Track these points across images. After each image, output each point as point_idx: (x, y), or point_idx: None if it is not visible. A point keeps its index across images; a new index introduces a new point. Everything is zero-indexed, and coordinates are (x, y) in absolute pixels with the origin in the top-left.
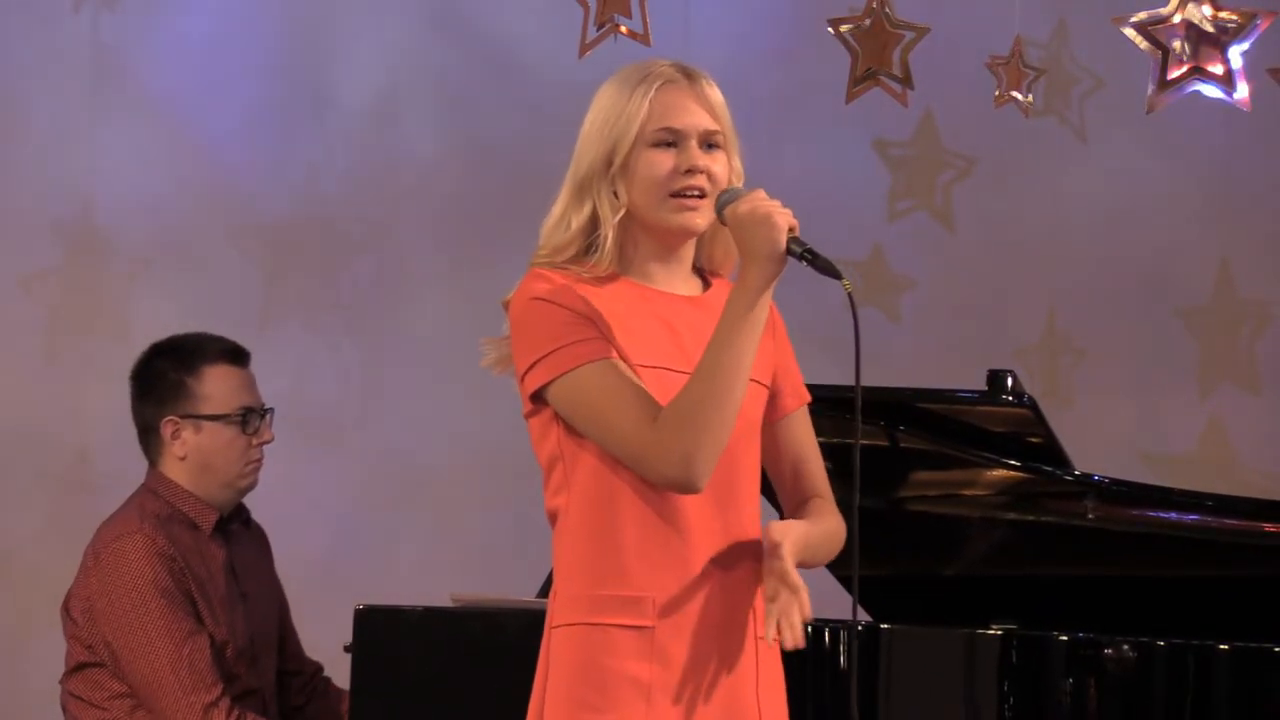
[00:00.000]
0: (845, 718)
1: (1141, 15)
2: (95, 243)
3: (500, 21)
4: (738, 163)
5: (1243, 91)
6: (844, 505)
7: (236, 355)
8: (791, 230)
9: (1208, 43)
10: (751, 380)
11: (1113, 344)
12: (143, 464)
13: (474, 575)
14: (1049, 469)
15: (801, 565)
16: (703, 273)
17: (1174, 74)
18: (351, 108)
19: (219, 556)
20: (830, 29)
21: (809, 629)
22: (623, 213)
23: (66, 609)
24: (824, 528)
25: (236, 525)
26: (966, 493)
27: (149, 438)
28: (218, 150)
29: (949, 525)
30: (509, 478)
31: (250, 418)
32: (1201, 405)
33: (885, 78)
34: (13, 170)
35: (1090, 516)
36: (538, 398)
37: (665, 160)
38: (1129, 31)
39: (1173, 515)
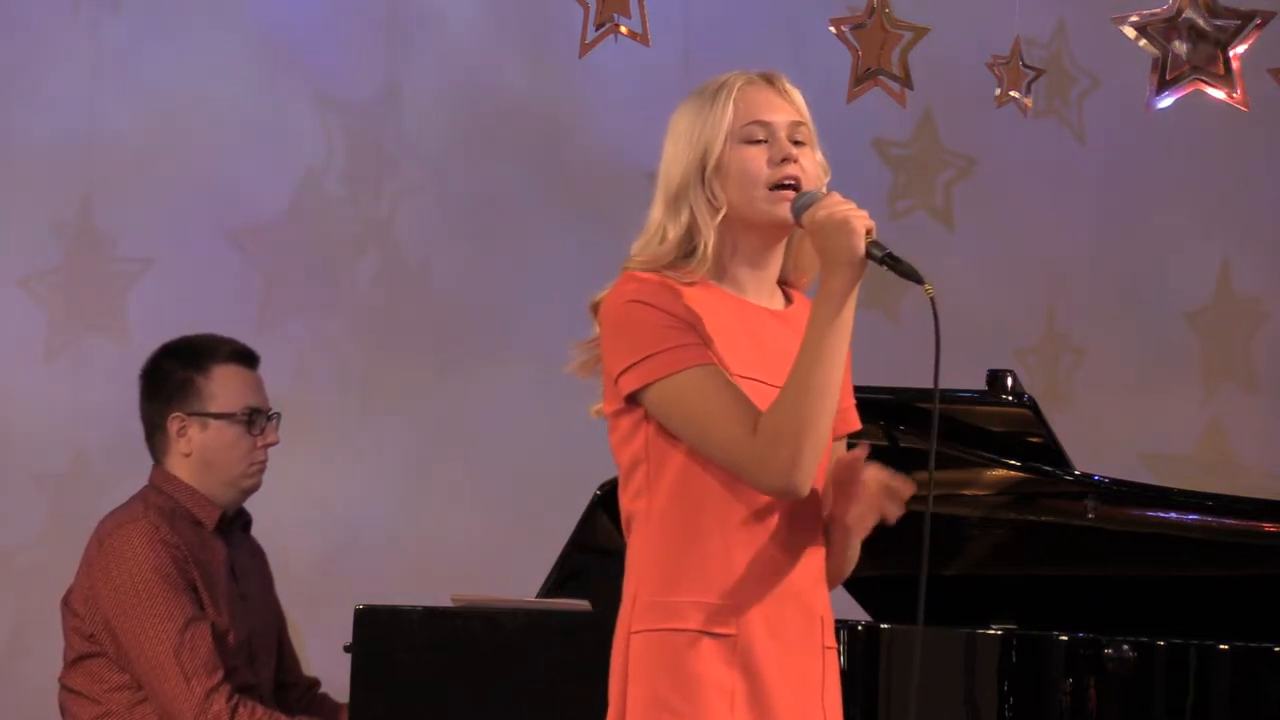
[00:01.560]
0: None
1: (1141, 15)
2: (95, 243)
3: (501, 21)
4: (821, 158)
5: (1242, 92)
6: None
7: (246, 357)
8: (870, 233)
9: (1207, 43)
10: None
11: (1113, 344)
12: (142, 464)
13: (474, 575)
14: (1049, 469)
15: (843, 545)
16: (784, 287)
17: (1173, 74)
18: (352, 106)
19: (221, 553)
20: (832, 28)
21: None
22: (723, 214)
23: (66, 603)
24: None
25: (238, 530)
26: (966, 493)
27: (155, 435)
28: (217, 149)
29: (949, 525)
30: (510, 478)
31: (256, 419)
32: (1201, 405)
33: (885, 78)
34: (12, 170)
35: (1090, 516)
36: (632, 399)
37: (759, 154)
38: (1129, 31)
39: (1173, 515)
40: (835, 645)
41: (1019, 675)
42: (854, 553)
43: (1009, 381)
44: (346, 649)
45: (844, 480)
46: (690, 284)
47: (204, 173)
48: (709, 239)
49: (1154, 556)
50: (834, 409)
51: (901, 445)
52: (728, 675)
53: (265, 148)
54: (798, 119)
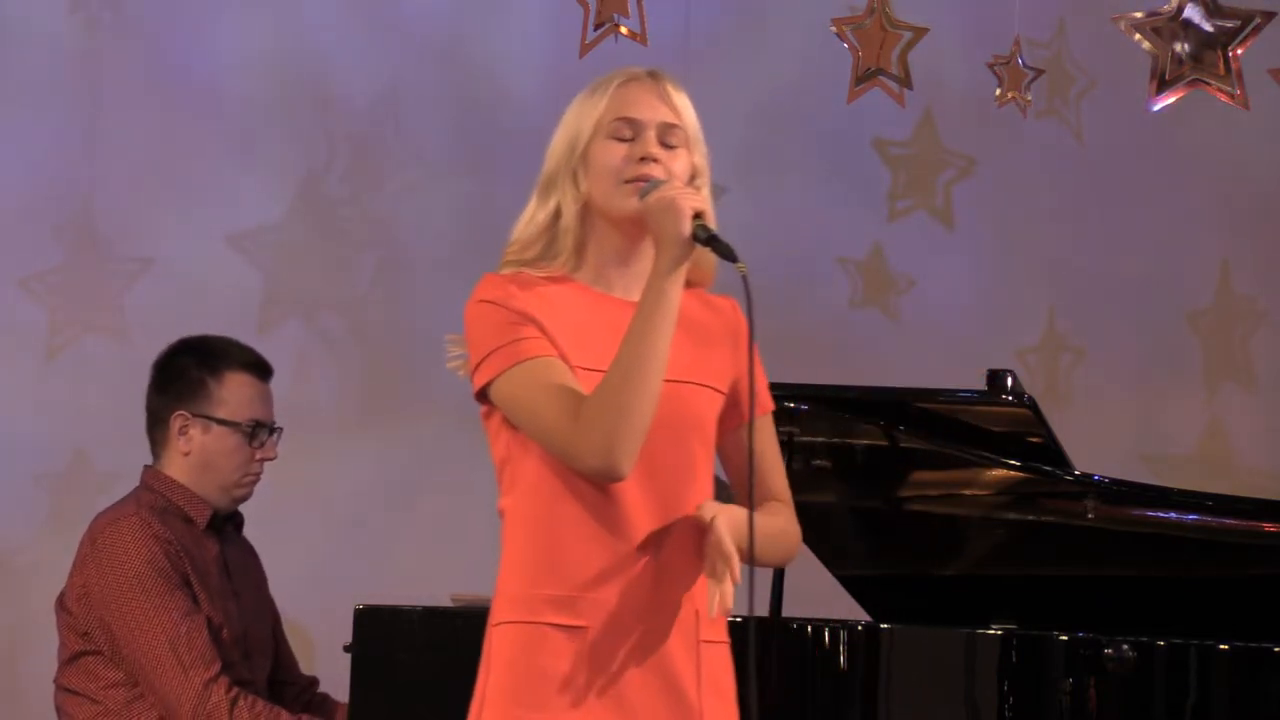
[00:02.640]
0: (844, 717)
1: (1141, 15)
2: (95, 243)
3: (502, 20)
4: (700, 161)
5: (1242, 92)
6: (839, 505)
7: (260, 368)
8: (700, 215)
9: (1207, 42)
10: (701, 385)
11: (1112, 344)
12: (143, 463)
13: (474, 575)
14: (1049, 469)
15: (746, 561)
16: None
17: (1173, 74)
18: (352, 106)
19: (212, 551)
20: (833, 28)
21: (809, 628)
22: (581, 202)
23: (61, 602)
24: (774, 523)
25: (230, 529)
26: (966, 493)
27: (157, 427)
28: (216, 149)
29: (949, 525)
30: None
31: (259, 431)
32: (1201, 405)
33: (885, 78)
34: (12, 170)
35: (1090, 516)
36: (484, 397)
37: (621, 149)
38: (1129, 31)
39: (1173, 515)
40: (722, 640)
41: (1019, 675)
42: (775, 554)
43: (1009, 381)
44: (346, 649)
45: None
46: (552, 279)
47: (204, 172)
48: (570, 227)
49: (1154, 556)
50: (657, 390)
51: (901, 445)
52: (577, 668)
53: (265, 147)
54: (672, 121)
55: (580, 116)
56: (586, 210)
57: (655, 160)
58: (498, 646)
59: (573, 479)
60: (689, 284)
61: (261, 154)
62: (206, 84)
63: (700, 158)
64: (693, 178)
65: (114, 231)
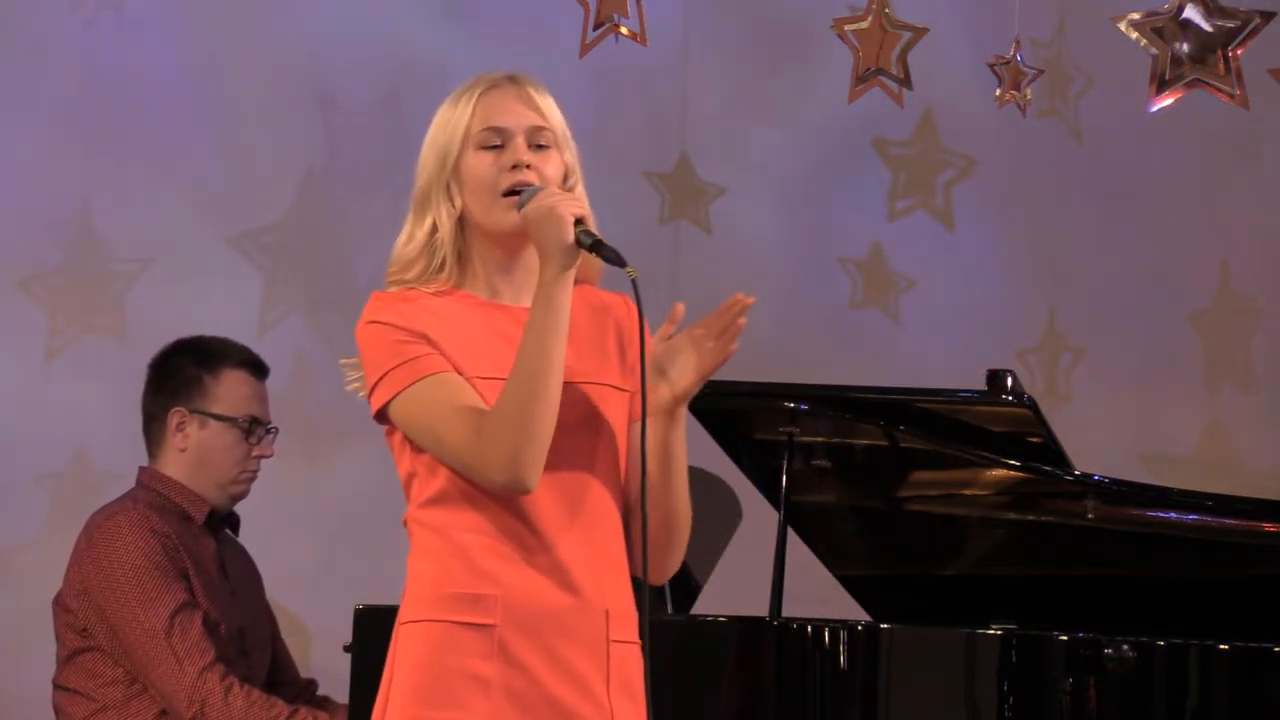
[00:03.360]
0: (844, 717)
1: (1141, 15)
2: (95, 243)
3: (502, 19)
4: (571, 159)
5: (1242, 92)
6: (839, 505)
7: (257, 367)
8: (581, 221)
9: (1207, 42)
10: (606, 385)
11: (1113, 344)
12: (143, 463)
13: None
14: (1049, 469)
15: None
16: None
17: (1173, 73)
18: (352, 105)
19: (210, 548)
20: (834, 29)
21: (809, 628)
22: (457, 215)
23: (59, 601)
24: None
25: (226, 530)
26: (966, 493)
27: (153, 426)
28: (216, 149)
29: (949, 525)
30: None
31: (255, 429)
32: (1202, 405)
33: (885, 78)
34: (12, 170)
35: (1090, 516)
36: (383, 418)
37: (493, 159)
38: (1128, 31)
39: (1173, 515)
40: (633, 640)
41: (1019, 675)
42: (673, 489)
43: (1009, 381)
44: (346, 649)
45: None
46: (437, 293)
47: (204, 172)
48: (449, 242)
49: (1154, 556)
50: (556, 399)
51: (901, 445)
52: (485, 666)
53: (266, 147)
54: (539, 123)
55: (446, 129)
56: (463, 223)
57: (528, 166)
58: (404, 644)
59: (477, 488)
60: (577, 282)
61: (262, 154)
62: (206, 83)
63: (570, 155)
64: (565, 178)
65: (114, 231)
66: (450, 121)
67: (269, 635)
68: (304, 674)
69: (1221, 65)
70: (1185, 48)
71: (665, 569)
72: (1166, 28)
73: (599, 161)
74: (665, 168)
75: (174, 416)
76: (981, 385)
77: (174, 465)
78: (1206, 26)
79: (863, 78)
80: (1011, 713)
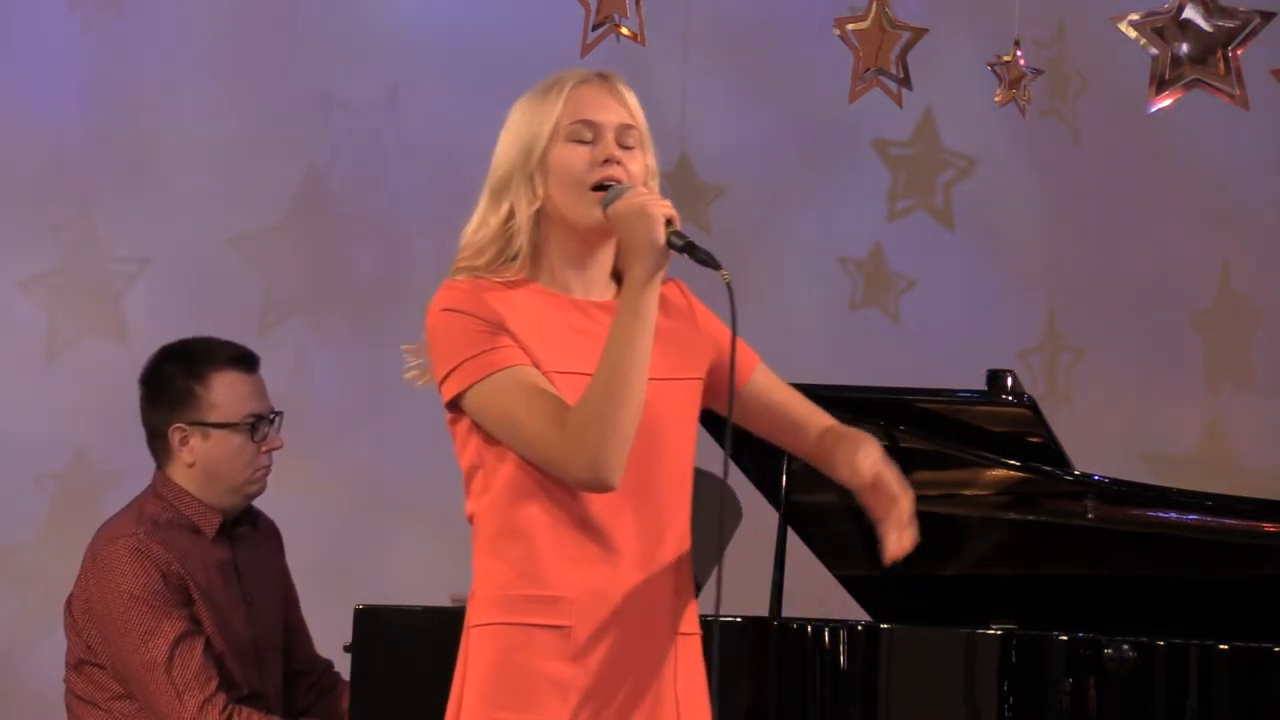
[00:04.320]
0: (844, 717)
1: (1141, 15)
2: (94, 244)
3: (503, 18)
4: (653, 161)
5: (1242, 92)
6: (839, 505)
7: (246, 361)
8: (671, 222)
9: (1207, 42)
10: (672, 378)
11: (1113, 344)
12: (142, 464)
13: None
14: (1049, 469)
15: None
16: (621, 279)
17: (1173, 73)
18: (353, 104)
19: (221, 560)
20: (835, 29)
21: (809, 628)
22: (538, 206)
23: (69, 606)
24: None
25: (244, 528)
26: (966, 493)
27: (157, 442)
28: (216, 149)
29: (949, 525)
30: None
31: (259, 425)
32: (1202, 405)
33: (885, 78)
34: (12, 171)
35: (1090, 516)
36: (454, 407)
37: (584, 153)
38: (1129, 31)
39: (1173, 515)
40: (696, 632)
41: (1019, 675)
42: None
43: (1009, 381)
44: (346, 649)
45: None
46: (510, 284)
47: (204, 172)
48: (524, 232)
49: (1154, 556)
50: (641, 398)
51: (902, 445)
52: (562, 668)
53: (266, 147)
54: (628, 122)
55: (534, 119)
56: (542, 214)
57: (618, 162)
58: (477, 648)
59: (547, 481)
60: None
61: (262, 153)
62: (206, 83)
63: (652, 158)
64: (646, 179)
65: (114, 231)
66: (539, 112)
67: (281, 634)
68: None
69: (1221, 65)
70: (1185, 48)
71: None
72: (1166, 28)
73: None
74: (665, 167)
75: (175, 433)
76: (981, 385)
77: (183, 476)
78: (1206, 26)
79: (863, 78)
80: (1011, 713)
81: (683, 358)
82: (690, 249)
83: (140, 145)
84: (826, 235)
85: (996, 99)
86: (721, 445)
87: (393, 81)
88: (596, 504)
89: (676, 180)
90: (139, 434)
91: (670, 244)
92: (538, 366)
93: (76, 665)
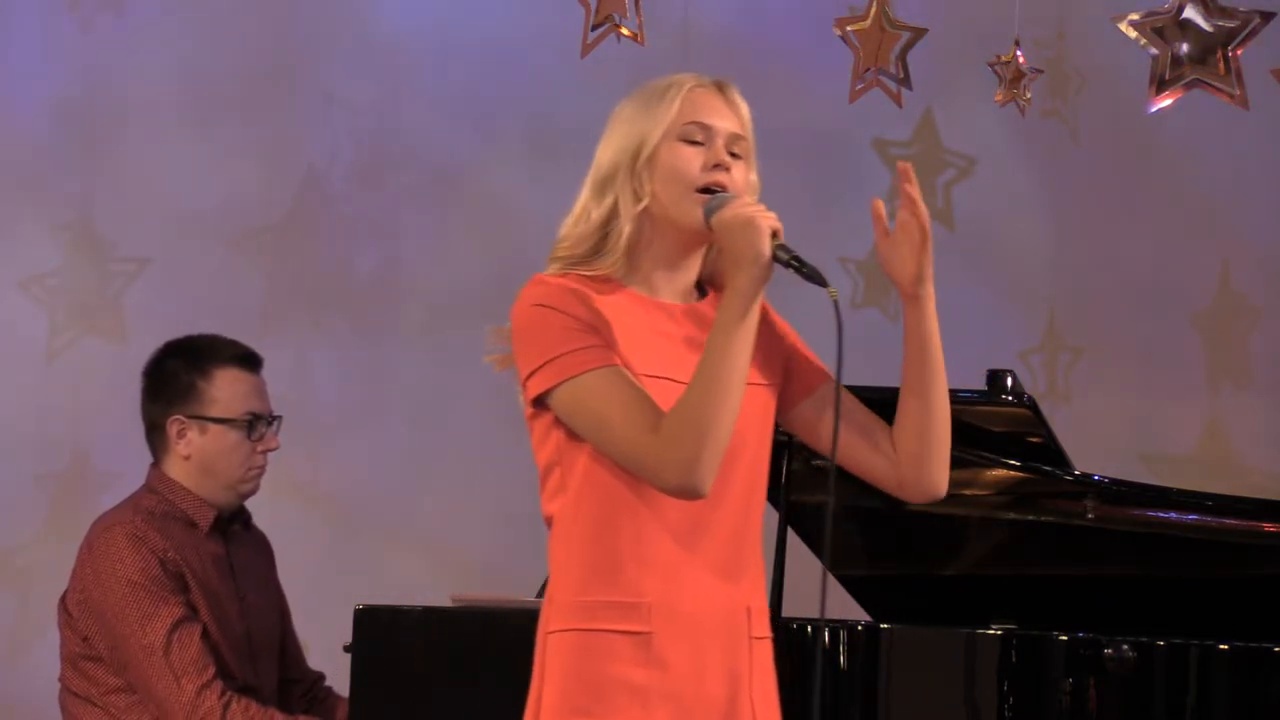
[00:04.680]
0: (844, 717)
1: (1141, 15)
2: (94, 244)
3: (503, 17)
4: (755, 177)
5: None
6: (839, 505)
7: (249, 360)
8: (776, 235)
9: (1207, 42)
10: (752, 384)
11: (1112, 344)
12: (142, 464)
13: (474, 575)
14: (1049, 469)
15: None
16: (703, 289)
17: (1173, 73)
18: (353, 103)
19: (216, 554)
20: (836, 30)
21: (809, 628)
22: (644, 204)
23: (63, 603)
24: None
25: (236, 527)
26: (966, 493)
27: (155, 435)
28: (216, 149)
29: (949, 525)
30: (509, 477)
31: (257, 424)
32: (1202, 405)
33: (885, 78)
34: (12, 171)
35: (1090, 516)
36: (539, 403)
37: (694, 155)
38: (1129, 30)
39: (1173, 515)
40: (767, 635)
41: (1019, 675)
42: (935, 376)
43: (1009, 381)
44: (346, 649)
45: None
46: (600, 283)
47: (204, 172)
48: (625, 228)
49: (1154, 556)
50: (737, 408)
51: None
52: (642, 674)
53: (266, 146)
54: (739, 132)
55: (647, 117)
56: (644, 212)
57: (727, 169)
58: (555, 654)
59: (626, 482)
60: (715, 287)
61: (262, 153)
62: (206, 83)
63: (754, 173)
64: (747, 192)
65: (114, 231)
66: (653, 110)
67: (278, 636)
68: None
69: (1221, 65)
70: (1185, 48)
71: (927, 484)
72: (1166, 28)
73: None
74: None
75: (173, 425)
76: (981, 385)
77: (179, 470)
78: (1206, 26)
79: (863, 78)
80: (1011, 713)
81: (761, 364)
82: (797, 264)
83: (140, 145)
84: (826, 235)
85: (996, 99)
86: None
87: (393, 81)
88: (678, 509)
89: None
90: (139, 434)
91: (776, 257)
92: (627, 368)
93: (72, 662)
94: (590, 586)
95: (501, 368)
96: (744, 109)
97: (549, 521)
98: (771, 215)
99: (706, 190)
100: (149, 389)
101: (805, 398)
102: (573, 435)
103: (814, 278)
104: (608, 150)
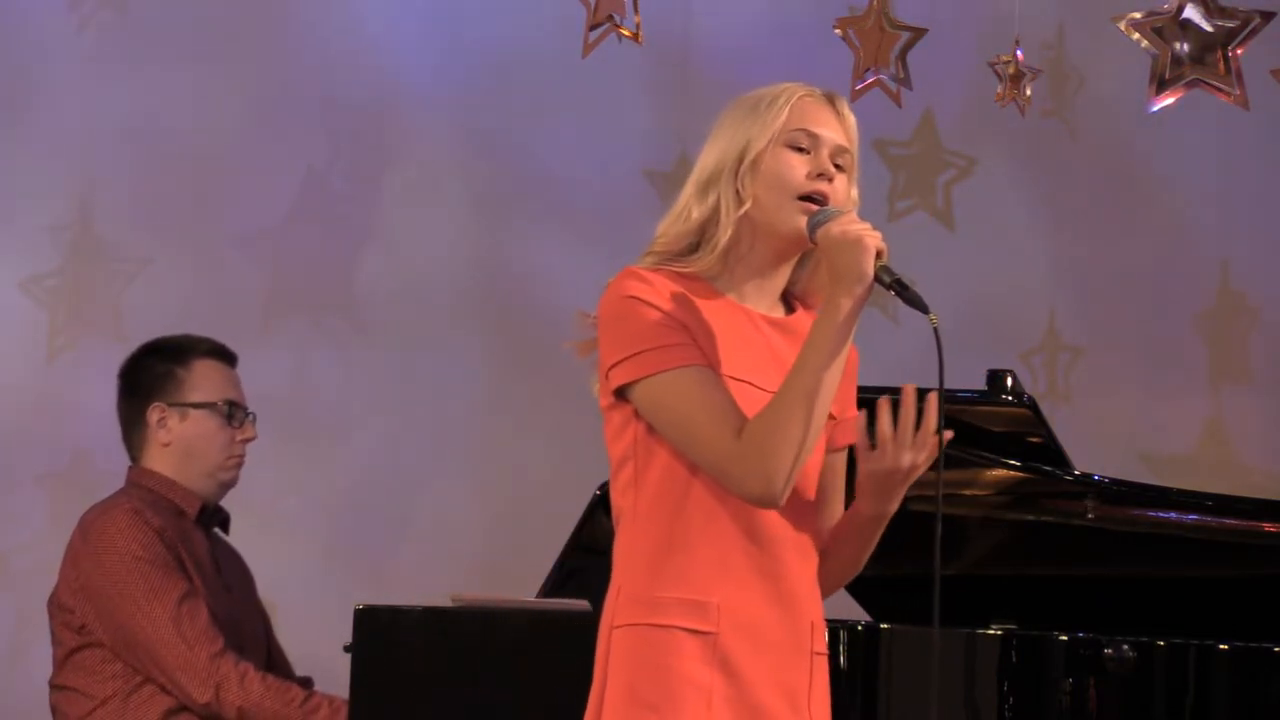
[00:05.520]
0: (844, 718)
1: (1141, 15)
2: (95, 244)
3: (503, 17)
4: (856, 193)
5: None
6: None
7: (224, 354)
8: (880, 255)
9: (1207, 42)
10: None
11: (1113, 344)
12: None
13: (474, 575)
14: (1049, 469)
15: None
16: (789, 302)
17: (1173, 73)
18: (353, 104)
19: (203, 544)
20: (836, 30)
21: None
22: (746, 207)
23: (54, 601)
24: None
25: (216, 528)
26: (966, 493)
27: (133, 431)
28: (217, 148)
29: (949, 525)
30: (510, 477)
31: (235, 412)
32: (1202, 405)
33: (884, 78)
34: (12, 172)
35: (1090, 516)
36: (621, 394)
37: (800, 162)
38: (1128, 30)
39: (1173, 515)
40: (825, 651)
41: (1019, 675)
42: (865, 549)
43: (1009, 381)
44: (346, 649)
45: (859, 447)
46: (691, 281)
47: (204, 172)
48: (726, 230)
49: (1154, 556)
50: (822, 422)
51: None
52: (706, 673)
53: (266, 147)
54: (844, 145)
55: (755, 120)
56: (744, 217)
57: (830, 179)
58: (620, 648)
59: (704, 483)
60: (801, 301)
61: (262, 153)
62: (206, 83)
63: (856, 189)
64: (848, 207)
65: (114, 231)
66: (761, 115)
67: (263, 633)
68: (302, 674)
69: (1221, 65)
70: (1185, 48)
71: (844, 578)
72: (1166, 28)
73: (599, 162)
74: (665, 168)
75: (153, 413)
76: (981, 385)
77: (160, 461)
78: (1206, 26)
79: (863, 78)
80: (1011, 713)
81: (837, 395)
82: (900, 288)
83: (139, 145)
84: None
85: (996, 99)
86: None
87: (393, 81)
88: (752, 517)
89: (676, 180)
90: None
91: (879, 279)
92: (714, 369)
93: (65, 657)
94: (659, 582)
95: (583, 354)
96: (851, 122)
97: (618, 514)
98: (878, 235)
99: (808, 198)
100: (126, 388)
101: (827, 449)
102: (652, 431)
103: (915, 303)
104: (713, 152)
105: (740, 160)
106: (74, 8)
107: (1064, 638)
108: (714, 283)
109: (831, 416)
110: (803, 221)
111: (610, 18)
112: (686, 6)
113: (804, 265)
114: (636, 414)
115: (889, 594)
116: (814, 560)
